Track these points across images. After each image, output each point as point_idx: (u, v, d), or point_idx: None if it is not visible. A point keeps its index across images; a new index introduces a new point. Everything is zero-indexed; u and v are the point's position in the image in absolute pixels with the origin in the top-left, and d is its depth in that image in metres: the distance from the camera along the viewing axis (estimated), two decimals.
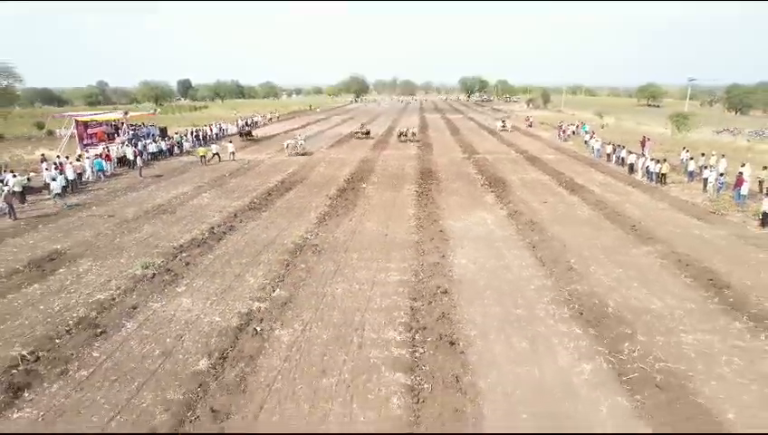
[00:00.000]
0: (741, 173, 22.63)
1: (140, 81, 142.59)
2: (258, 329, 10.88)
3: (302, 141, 38.42)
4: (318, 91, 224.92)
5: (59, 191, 22.58)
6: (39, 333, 10.72)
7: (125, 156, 32.26)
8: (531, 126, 60.62)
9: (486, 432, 7.63)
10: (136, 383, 9.01)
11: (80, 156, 29.62)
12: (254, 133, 48.06)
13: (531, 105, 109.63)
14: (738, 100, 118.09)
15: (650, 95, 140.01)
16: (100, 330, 10.90)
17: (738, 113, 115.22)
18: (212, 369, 9.44)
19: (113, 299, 12.46)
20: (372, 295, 12.67)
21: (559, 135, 48.79)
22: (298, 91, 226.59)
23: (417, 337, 10.60)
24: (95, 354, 9.99)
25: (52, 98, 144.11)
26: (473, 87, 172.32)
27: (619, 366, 9.62)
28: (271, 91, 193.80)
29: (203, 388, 8.86)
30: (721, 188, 23.62)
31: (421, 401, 8.55)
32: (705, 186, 24.56)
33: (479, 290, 13.08)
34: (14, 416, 8.14)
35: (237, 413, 8.20)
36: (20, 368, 9.39)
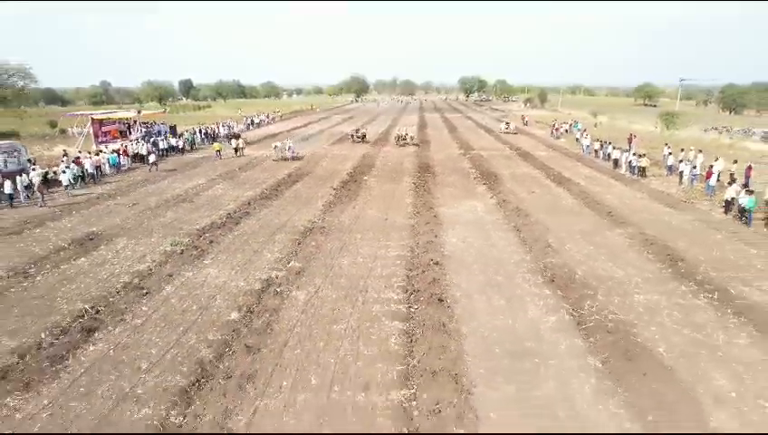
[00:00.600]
0: (711, 166, 24.67)
1: (143, 81, 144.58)
2: (278, 290, 12.94)
3: (291, 145, 35.77)
4: (318, 91, 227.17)
5: (67, 183, 24.54)
6: (95, 294, 12.77)
7: (138, 152, 34.26)
8: (526, 124, 62.64)
9: (486, 432, 7.79)
10: (181, 328, 11.06)
11: (99, 151, 31.59)
12: (242, 137, 42.91)
13: (528, 105, 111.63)
14: (732, 100, 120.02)
15: (646, 95, 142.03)
16: (144, 291, 12.95)
17: (732, 113, 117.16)
18: (242, 319, 11.48)
19: (151, 269, 14.51)
20: (374, 266, 14.72)
21: (552, 133, 50.80)
22: (298, 91, 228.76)
23: (411, 297, 12.64)
24: (144, 308, 12.04)
25: (54, 98, 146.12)
26: (472, 87, 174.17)
27: (578, 318, 11.66)
28: (272, 91, 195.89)
29: (236, 331, 10.90)
30: (694, 179, 25.67)
31: (414, 340, 10.59)
32: (680, 178, 26.58)
33: (466, 262, 15.12)
34: (90, 349, 10.19)
35: (266, 348, 10.24)
36: (86, 317, 11.44)
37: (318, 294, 12.80)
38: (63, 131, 54.28)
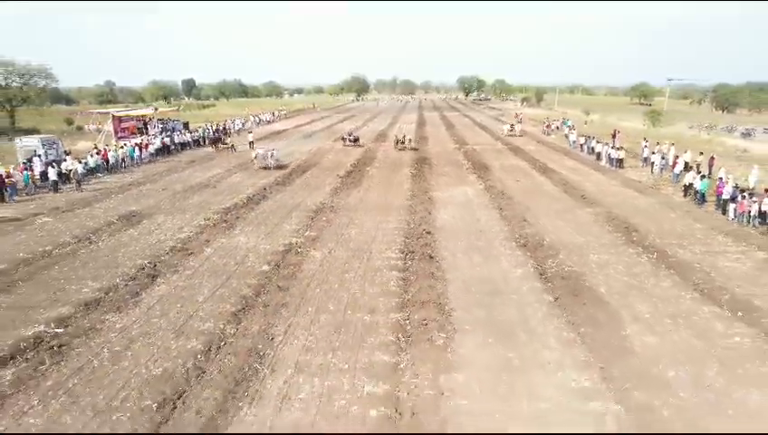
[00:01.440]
0: (677, 157, 27.61)
1: (149, 80, 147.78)
2: (298, 251, 15.89)
3: (275, 151, 32.15)
4: (319, 90, 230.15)
5: (81, 172, 27.16)
6: (149, 254, 15.72)
7: (162, 144, 37.22)
8: (521, 122, 65.49)
9: (486, 432, 7.86)
10: (224, 276, 13.99)
11: (123, 145, 34.50)
12: (227, 141, 40.76)
13: (525, 104, 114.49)
14: (725, 99, 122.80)
15: (642, 94, 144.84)
16: (189, 252, 15.90)
17: (725, 111, 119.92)
18: (271, 270, 14.42)
19: (190, 237, 17.45)
20: (376, 235, 17.66)
21: (543, 130, 53.71)
22: (299, 91, 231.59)
23: (407, 256, 15.56)
24: (192, 263, 14.99)
25: (59, 97, 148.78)
26: (471, 86, 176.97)
27: (541, 270, 14.58)
28: (274, 91, 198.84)
29: (268, 278, 13.84)
30: (663, 169, 28.59)
31: (408, 283, 13.51)
32: (651, 168, 29.51)
33: (454, 232, 18.06)
34: (156, 289, 13.13)
35: (293, 287, 13.18)
36: (146, 269, 14.38)
37: (331, 254, 15.74)
38: (80, 128, 57.17)
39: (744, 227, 18.80)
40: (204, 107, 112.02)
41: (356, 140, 42.35)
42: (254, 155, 32.08)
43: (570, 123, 54.27)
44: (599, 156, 35.05)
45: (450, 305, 12.20)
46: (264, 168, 30.68)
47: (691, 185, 23.45)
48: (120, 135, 42.94)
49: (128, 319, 11.48)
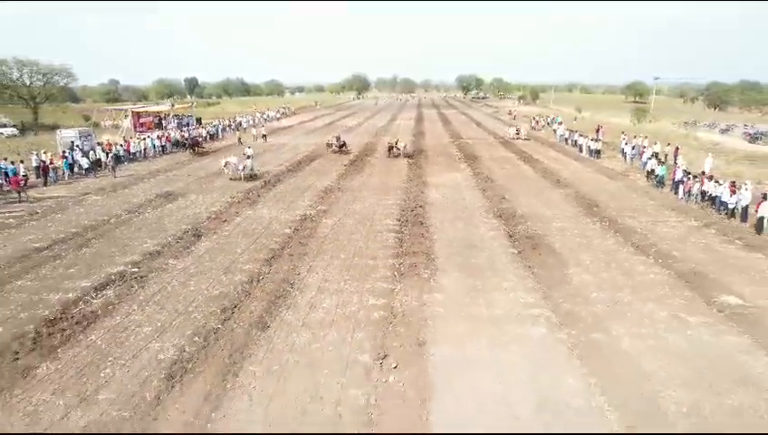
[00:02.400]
0: (644, 147, 31.01)
1: (152, 79, 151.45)
2: (313, 219, 19.31)
3: (249, 161, 28.39)
4: (320, 88, 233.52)
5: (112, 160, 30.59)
6: (190, 221, 19.13)
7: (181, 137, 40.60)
8: (515, 118, 68.88)
9: (486, 432, 7.86)
10: (255, 237, 17.40)
11: (145, 137, 37.87)
12: (204, 146, 39.51)
13: (521, 102, 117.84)
14: (717, 97, 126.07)
15: (636, 92, 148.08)
16: (223, 220, 19.32)
17: (717, 109, 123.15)
18: (292, 232, 17.81)
19: (221, 210, 20.85)
20: (377, 208, 21.06)
21: (532, 126, 57.11)
22: (300, 89, 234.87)
23: (402, 223, 18.96)
24: (227, 228, 18.40)
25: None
26: (469, 85, 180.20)
27: (510, 232, 17.95)
28: (275, 89, 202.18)
29: (290, 237, 17.24)
30: (633, 158, 31.97)
31: (403, 241, 16.88)
32: (624, 157, 32.90)
33: (442, 207, 21.47)
34: (202, 244, 16.55)
35: (311, 243, 16.59)
36: (189, 232, 17.79)
37: (340, 221, 19.16)
38: (97, 124, 60.50)
39: (687, 204, 22.21)
40: (209, 105, 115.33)
41: (342, 145, 37.47)
42: (223, 163, 27.53)
43: (559, 120, 57.63)
44: (581, 148, 38.41)
45: (435, 255, 15.61)
46: (236, 179, 26.75)
47: (653, 170, 26.82)
48: (138, 129, 46.36)
49: (185, 263, 14.90)
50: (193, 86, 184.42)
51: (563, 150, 39.17)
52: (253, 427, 7.87)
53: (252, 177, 27.45)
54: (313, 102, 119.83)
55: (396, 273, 14.17)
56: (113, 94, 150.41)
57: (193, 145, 38.48)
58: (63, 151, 29.48)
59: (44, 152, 28.29)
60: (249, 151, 31.51)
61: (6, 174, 24.16)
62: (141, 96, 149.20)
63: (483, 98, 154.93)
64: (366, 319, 11.43)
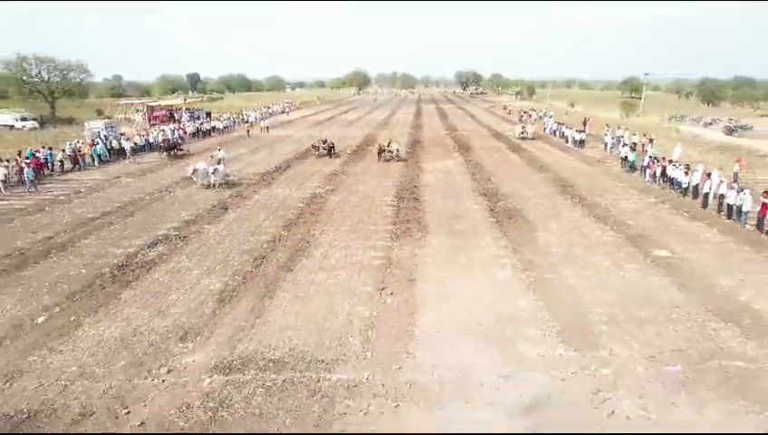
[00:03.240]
0: (622, 136, 33.98)
1: (154, 76, 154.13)
2: (322, 196, 22.32)
3: (221, 167, 24.93)
4: (320, 84, 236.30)
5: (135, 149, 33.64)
6: (215, 199, 22.10)
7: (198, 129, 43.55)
8: (509, 113, 71.75)
9: (485, 432, 7.72)
10: (273, 209, 20.39)
11: (163, 129, 40.79)
12: (183, 148, 35.06)
13: (518, 97, 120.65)
14: (710, 93, 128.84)
15: (632, 88, 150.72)
16: (244, 197, 22.32)
17: (710, 105, 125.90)
18: (304, 206, 20.80)
19: (241, 190, 23.83)
20: (377, 188, 24.05)
21: (521, 118, 60.06)
22: (300, 85, 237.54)
23: (399, 199, 21.95)
24: (248, 203, 21.40)
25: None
26: (468, 81, 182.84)
27: (492, 206, 20.93)
28: (277, 85, 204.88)
29: (302, 209, 20.23)
30: (612, 147, 34.93)
31: (399, 213, 19.86)
32: (605, 147, 35.86)
33: (434, 188, 24.46)
34: (229, 215, 19.56)
35: (321, 214, 19.58)
36: (218, 206, 20.80)
37: (345, 198, 22.16)
38: (109, 118, 63.38)
39: (651, 185, 25.18)
40: (213, 100, 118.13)
41: (330, 149, 32.96)
42: (191, 171, 24.05)
43: (551, 113, 60.55)
44: (566, 139, 41.34)
45: (426, 223, 18.61)
46: (207, 187, 23.81)
47: (626, 157, 29.78)
48: (152, 122, 49.30)
49: (217, 228, 17.92)
50: (195, 82, 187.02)
51: (550, 141, 42.07)
52: (286, 328, 10.86)
53: (229, 184, 23.96)
54: (315, 98, 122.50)
55: (392, 235, 17.18)
56: (117, 90, 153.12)
57: (170, 148, 34.05)
58: (93, 140, 32.43)
59: (77, 142, 31.23)
60: (220, 154, 27.33)
61: (46, 160, 27.16)
62: (144, 92, 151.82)
63: (481, 93, 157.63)
64: (368, 265, 14.45)
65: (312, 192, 23.31)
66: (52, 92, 57.54)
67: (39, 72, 57.01)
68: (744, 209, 18.10)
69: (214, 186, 23.84)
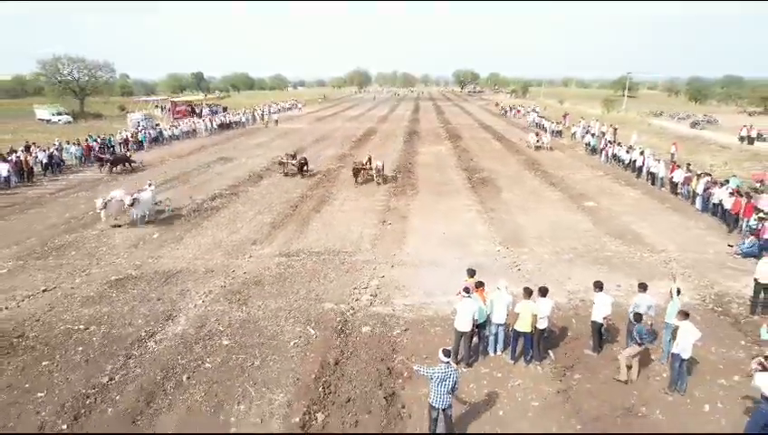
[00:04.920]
0: (589, 126, 39.57)
1: (163, 73, 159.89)
2: (334, 171, 27.91)
3: (151, 187, 19.23)
4: (321, 83, 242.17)
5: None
6: (249, 171, 27.67)
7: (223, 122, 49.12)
8: (502, 109, 77.23)
9: (485, 433, 8.08)
10: (291, 186, 25.96)
11: (197, 121, 46.30)
12: (134, 159, 29.50)
13: (513, 95, 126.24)
14: (697, 91, 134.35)
15: (623, 87, 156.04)
16: (272, 171, 27.89)
17: (697, 103, 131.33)
18: (322, 176, 26.39)
19: (267, 167, 29.40)
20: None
21: (506, 112, 65.73)
22: (302, 84, 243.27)
23: (396, 171, 27.52)
24: (264, 182, 26.98)
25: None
26: (466, 79, 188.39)
27: (470, 177, 26.46)
28: (279, 84, 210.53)
29: (320, 178, 25.83)
30: (583, 136, 40.49)
31: (396, 181, 25.46)
32: (574, 136, 41.45)
33: (426, 164, 30.03)
34: (264, 182, 25.14)
35: (336, 182, 25.15)
36: (252, 176, 26.38)
37: (352, 172, 27.74)
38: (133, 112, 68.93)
39: (605, 164, 30.72)
40: (221, 98, 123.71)
41: (303, 166, 26.49)
42: (99, 204, 17.45)
43: (538, 109, 66.09)
44: (546, 129, 46.87)
45: (418, 186, 24.19)
46: (117, 226, 17.86)
47: (589, 142, 35.37)
48: (175, 116, 54.89)
49: (258, 189, 23.53)
50: (199, 80, 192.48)
51: (531, 132, 47.58)
52: (320, 239, 16.41)
53: (147, 221, 18.25)
54: (320, 96, 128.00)
55: (390, 194, 22.78)
56: (127, 88, 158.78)
57: (116, 162, 27.66)
58: (143, 129, 38.21)
59: (124, 131, 36.87)
60: (146, 191, 18.55)
61: (106, 144, 32.83)
62: (150, 90, 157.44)
63: (478, 92, 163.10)
64: (373, 209, 20.06)
65: (325, 167, 28.89)
66: (82, 89, 63.10)
67: (71, 71, 62.57)
68: (660, 175, 23.72)
69: (135, 222, 18.00)
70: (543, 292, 9.56)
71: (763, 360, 7.18)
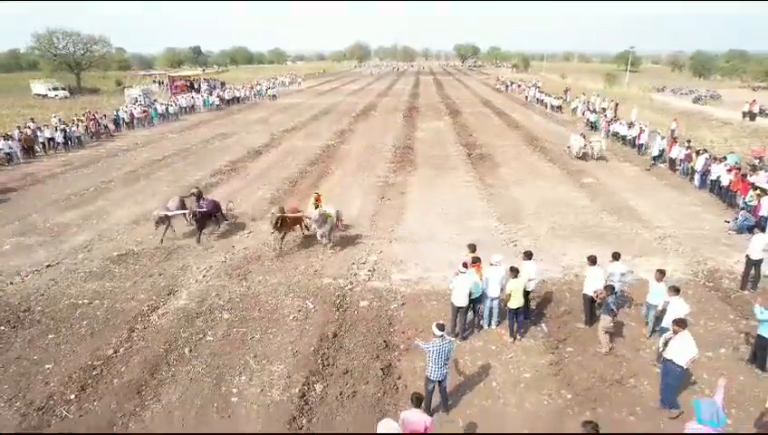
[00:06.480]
0: (589, 101, 39.30)
1: (163, 48, 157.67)
2: (334, 146, 27.88)
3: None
4: (321, 57, 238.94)
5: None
6: (248, 147, 27.65)
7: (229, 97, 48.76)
8: (503, 84, 76.46)
9: (484, 432, 7.81)
10: (296, 153, 25.95)
11: (192, 96, 45.98)
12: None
13: (515, 69, 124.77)
14: (700, 66, 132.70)
15: (625, 61, 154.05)
16: (272, 146, 27.87)
17: (701, 78, 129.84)
18: (321, 153, 26.38)
19: (268, 142, 29.35)
20: (379, 140, 29.57)
21: (503, 88, 65.13)
22: (301, 58, 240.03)
23: (396, 148, 27.48)
24: (276, 150, 26.96)
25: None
26: (467, 54, 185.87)
27: (469, 152, 26.44)
28: (279, 58, 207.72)
29: (319, 155, 25.79)
30: (584, 112, 40.26)
31: (396, 156, 25.43)
32: (575, 111, 41.22)
33: (425, 140, 29.97)
34: (263, 157, 25.16)
35: (335, 156, 25.18)
36: (251, 152, 26.38)
37: (351, 148, 27.70)
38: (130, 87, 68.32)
39: (605, 139, 30.63)
40: (220, 72, 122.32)
41: (212, 215, 14.79)
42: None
43: (539, 84, 65.44)
44: (546, 105, 46.59)
45: (416, 162, 24.22)
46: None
47: (589, 118, 35.20)
48: (173, 91, 54.44)
49: (258, 164, 23.58)
50: (197, 55, 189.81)
51: (532, 108, 47.34)
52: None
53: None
54: (321, 70, 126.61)
55: (390, 169, 22.84)
56: (124, 63, 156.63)
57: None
58: (151, 103, 38.09)
59: (126, 106, 36.69)
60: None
61: (116, 119, 32.86)
62: (147, 64, 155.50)
63: (479, 66, 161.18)
64: (373, 185, 20.15)
65: (325, 143, 28.86)
66: (78, 64, 62.39)
67: (66, 44, 61.75)
68: (659, 149, 23.74)
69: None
70: (528, 255, 10.15)
71: (676, 327, 7.54)
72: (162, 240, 14.16)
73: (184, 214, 14.41)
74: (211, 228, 15.09)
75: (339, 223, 14.12)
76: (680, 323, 7.59)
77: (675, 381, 7.66)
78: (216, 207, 14.82)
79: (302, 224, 14.46)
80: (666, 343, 7.75)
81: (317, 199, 14.37)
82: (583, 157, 24.66)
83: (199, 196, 14.69)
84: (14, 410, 7.74)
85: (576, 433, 6.39)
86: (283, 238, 13.67)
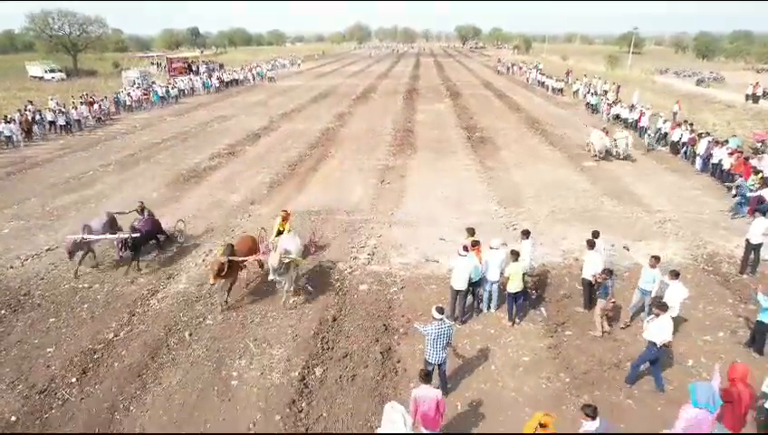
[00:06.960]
0: (590, 84, 38.91)
1: (163, 28, 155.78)
2: (333, 129, 27.68)
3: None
4: (320, 38, 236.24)
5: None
6: (247, 130, 27.46)
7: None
8: (504, 66, 75.68)
9: (485, 433, 7.61)
10: (296, 136, 25.77)
11: (191, 78, 45.55)
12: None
13: (516, 51, 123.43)
14: (704, 47, 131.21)
15: (628, 43, 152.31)
16: (272, 129, 27.67)
17: (704, 59, 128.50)
18: (320, 136, 26.20)
19: (267, 125, 29.13)
20: (379, 122, 29.36)
21: (502, 70, 64.45)
22: (300, 39, 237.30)
23: (396, 131, 27.29)
24: (276, 133, 26.77)
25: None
26: (468, 35, 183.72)
27: (470, 135, 26.26)
28: (277, 39, 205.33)
29: (319, 138, 25.61)
30: (585, 94, 39.90)
31: (396, 139, 25.25)
32: (576, 93, 40.86)
33: (425, 123, 29.75)
34: (262, 141, 25.01)
35: (335, 140, 25.02)
36: (250, 135, 26.20)
37: (351, 131, 27.50)
38: (128, 69, 67.65)
39: (605, 124, 30.42)
40: (219, 54, 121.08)
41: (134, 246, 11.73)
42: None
43: (541, 66, 64.76)
44: (547, 88, 46.18)
45: (416, 145, 24.06)
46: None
47: (590, 101, 34.92)
48: (171, 73, 53.93)
49: (256, 148, 23.44)
50: (195, 36, 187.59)
51: (533, 90, 46.95)
52: (319, 199, 16.48)
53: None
54: (320, 51, 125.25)
55: (390, 152, 22.70)
56: (121, 44, 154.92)
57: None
58: (153, 86, 37.77)
59: (125, 89, 36.37)
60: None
61: (117, 101, 32.61)
62: (145, 46, 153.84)
63: (480, 48, 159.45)
64: (373, 168, 20.05)
65: (325, 126, 28.66)
66: (74, 45, 61.68)
67: (61, 25, 60.97)
68: (655, 131, 23.58)
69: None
70: (526, 234, 10.29)
71: (656, 310, 7.64)
72: (76, 273, 11.26)
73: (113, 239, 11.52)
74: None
75: (312, 245, 12.30)
76: (661, 307, 7.69)
77: (645, 356, 7.81)
78: (155, 227, 12.29)
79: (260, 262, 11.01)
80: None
81: (284, 219, 11.69)
82: (606, 156, 21.41)
83: (141, 212, 12.40)
84: (16, 393, 7.80)
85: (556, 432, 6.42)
86: (230, 290, 10.15)
